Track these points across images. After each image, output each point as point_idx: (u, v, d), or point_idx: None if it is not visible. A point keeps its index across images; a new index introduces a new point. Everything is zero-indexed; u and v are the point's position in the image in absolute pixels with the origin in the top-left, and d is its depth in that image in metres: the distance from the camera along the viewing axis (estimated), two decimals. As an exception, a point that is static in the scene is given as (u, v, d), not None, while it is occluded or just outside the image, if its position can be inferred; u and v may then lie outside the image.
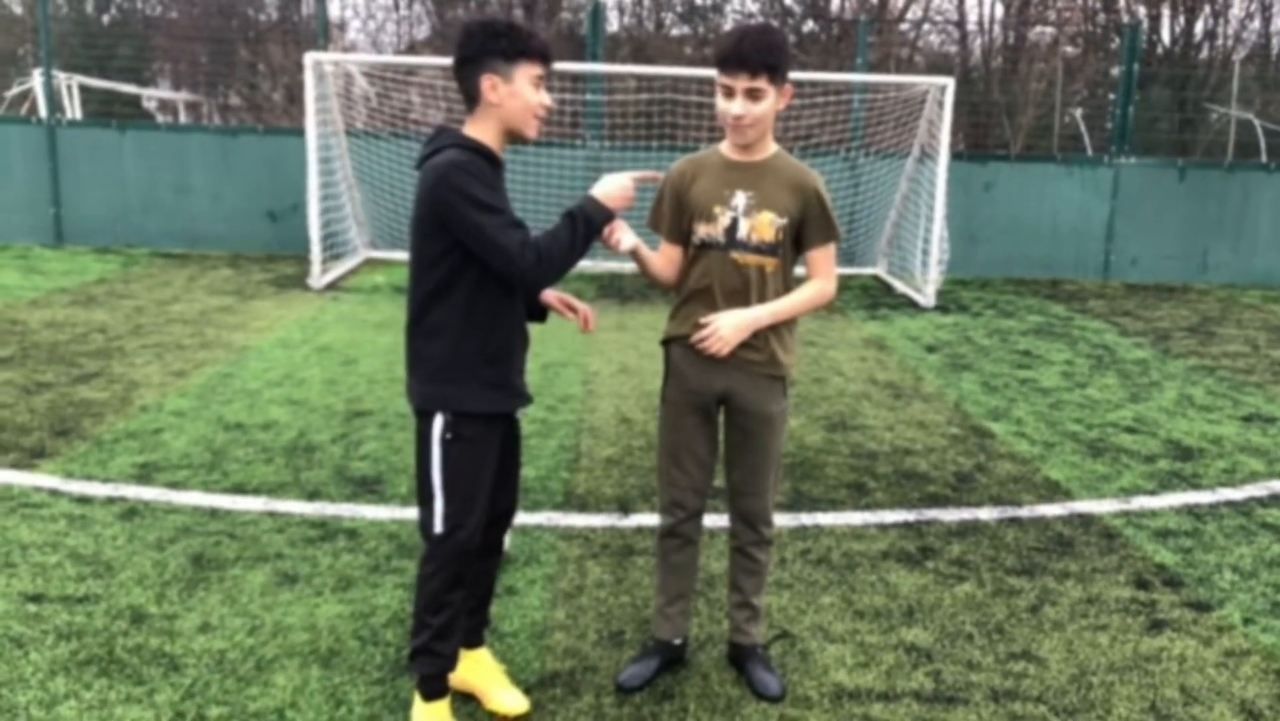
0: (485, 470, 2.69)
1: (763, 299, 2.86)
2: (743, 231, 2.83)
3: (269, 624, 3.31)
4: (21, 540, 3.88)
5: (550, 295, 2.87)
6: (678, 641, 3.12)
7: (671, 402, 2.99)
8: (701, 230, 2.87)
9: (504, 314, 2.65)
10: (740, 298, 2.86)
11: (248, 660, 3.09)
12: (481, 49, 2.54)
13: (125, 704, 2.85)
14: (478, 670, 2.93)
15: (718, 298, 2.87)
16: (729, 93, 2.75)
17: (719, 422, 3.02)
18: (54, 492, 4.38)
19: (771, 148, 2.89)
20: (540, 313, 2.87)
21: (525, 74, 2.55)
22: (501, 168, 2.62)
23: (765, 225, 2.83)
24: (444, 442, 2.62)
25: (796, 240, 2.90)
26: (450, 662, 2.75)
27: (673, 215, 2.92)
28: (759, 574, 3.09)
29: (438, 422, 2.62)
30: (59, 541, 3.88)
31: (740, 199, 2.83)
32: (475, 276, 2.57)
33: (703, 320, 2.82)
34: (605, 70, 11.35)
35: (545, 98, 2.62)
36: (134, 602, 3.42)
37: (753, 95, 2.74)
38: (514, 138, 2.62)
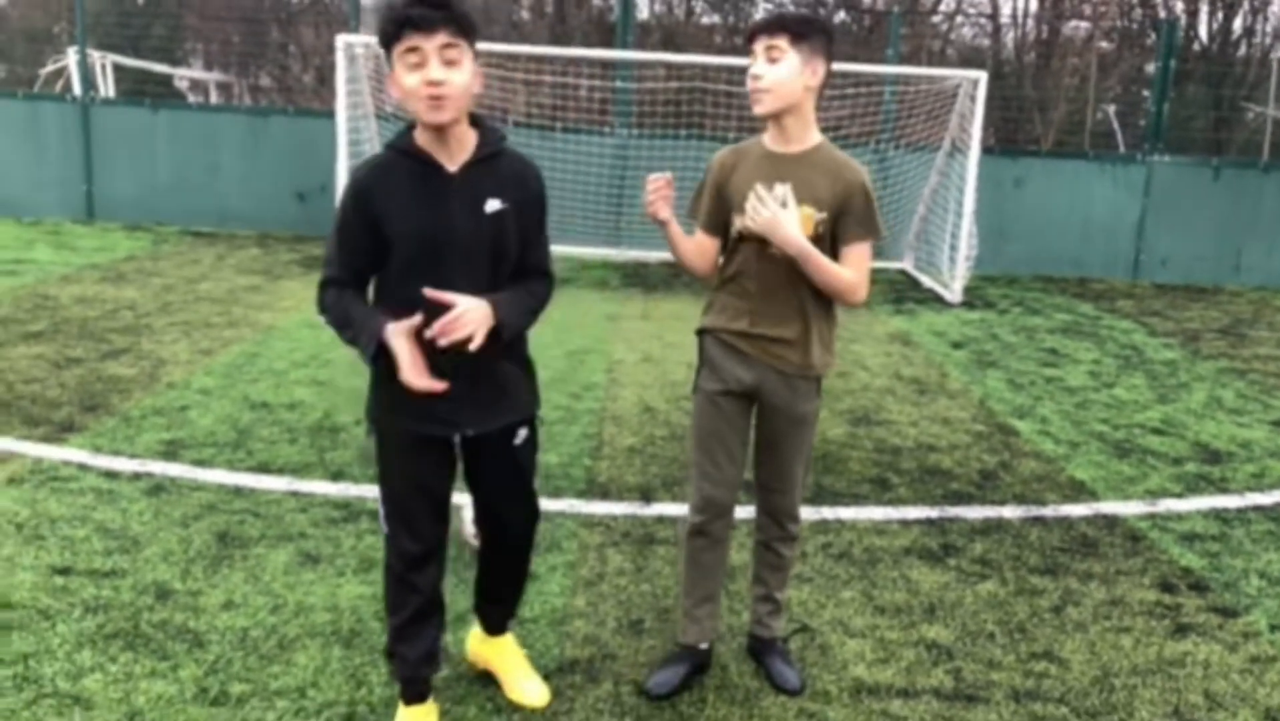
0: (410, 486, 2.57)
1: (800, 299, 2.79)
2: None
3: (291, 603, 3.34)
4: (51, 513, 3.92)
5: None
6: (704, 646, 3.04)
7: (704, 393, 2.93)
8: (740, 222, 2.81)
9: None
10: (779, 292, 2.78)
11: (270, 638, 3.12)
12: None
13: (150, 678, 2.88)
14: (499, 656, 2.93)
15: (754, 291, 2.80)
16: (753, 60, 2.72)
17: (751, 417, 2.96)
18: (82, 467, 4.43)
19: (815, 138, 2.80)
20: None
21: (398, 58, 2.28)
22: (437, 166, 2.39)
23: (804, 219, 2.72)
24: (375, 445, 2.61)
25: (833, 236, 2.78)
26: (417, 669, 2.67)
27: (711, 206, 2.87)
28: (783, 569, 3.07)
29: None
30: (87, 515, 3.93)
31: (779, 190, 2.74)
32: (382, 282, 2.47)
33: (767, 192, 2.72)
34: (634, 58, 11.30)
35: (427, 73, 2.25)
36: (159, 578, 3.46)
37: (770, 55, 2.68)
38: (433, 128, 2.36)
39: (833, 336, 2.91)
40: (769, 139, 2.84)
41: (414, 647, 2.65)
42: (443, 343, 2.31)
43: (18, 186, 12.11)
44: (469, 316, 2.32)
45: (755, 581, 3.11)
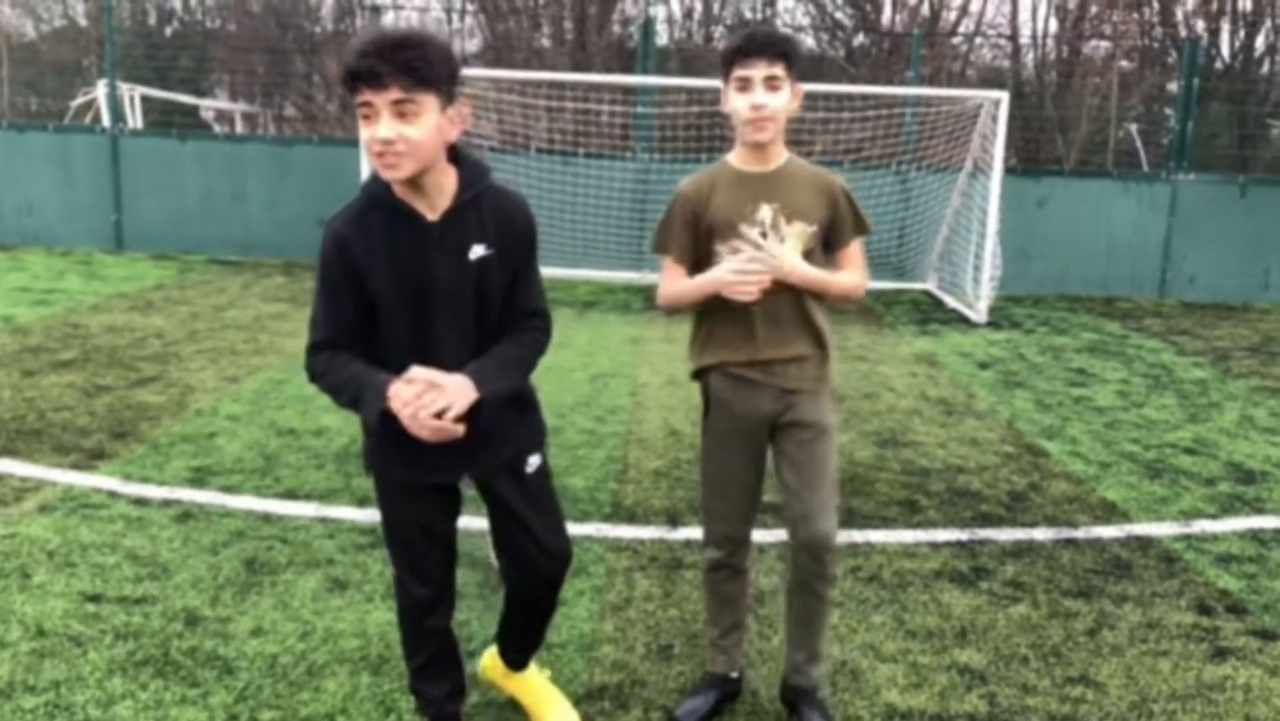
0: (413, 531, 2.50)
1: (805, 313, 2.73)
2: None
3: (320, 629, 3.34)
4: (82, 540, 3.95)
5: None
6: (734, 675, 2.99)
7: (715, 434, 2.84)
8: (726, 249, 2.71)
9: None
10: (783, 311, 2.70)
11: (299, 665, 3.12)
12: None
13: (180, 705, 2.88)
14: (523, 689, 2.88)
15: (756, 318, 2.70)
16: (745, 85, 2.62)
17: (766, 447, 2.86)
18: (112, 494, 4.46)
19: (785, 154, 2.75)
20: None
21: (357, 107, 2.15)
22: (415, 216, 2.27)
23: (798, 235, 2.67)
24: (374, 489, 2.53)
25: (826, 243, 2.75)
26: (443, 705, 2.64)
27: (687, 236, 2.74)
28: (822, 614, 2.84)
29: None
30: (117, 542, 3.95)
31: (765, 212, 2.68)
32: (378, 328, 2.34)
33: (763, 231, 2.65)
34: (655, 83, 11.37)
35: (375, 131, 2.11)
36: (189, 605, 3.47)
37: (771, 85, 2.62)
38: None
39: (833, 346, 2.82)
40: (741, 160, 2.75)
41: (438, 686, 2.64)
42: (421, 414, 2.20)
43: (49, 217, 12.30)
44: (447, 393, 2.22)
45: (792, 630, 2.91)
